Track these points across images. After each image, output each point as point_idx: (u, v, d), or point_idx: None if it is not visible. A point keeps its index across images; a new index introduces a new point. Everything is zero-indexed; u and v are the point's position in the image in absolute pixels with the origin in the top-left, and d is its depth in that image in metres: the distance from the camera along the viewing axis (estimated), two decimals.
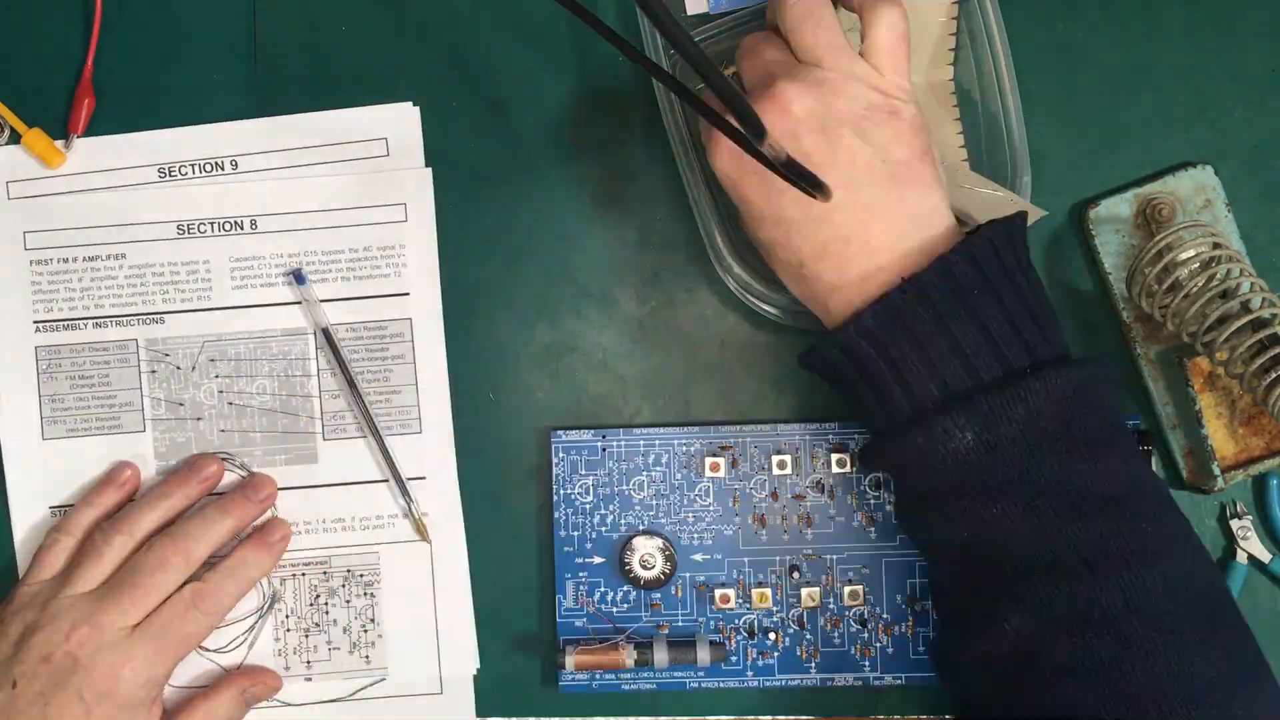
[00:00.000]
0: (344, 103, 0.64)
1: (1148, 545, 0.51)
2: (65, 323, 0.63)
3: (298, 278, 0.63)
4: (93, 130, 0.64)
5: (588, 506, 0.63)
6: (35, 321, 0.63)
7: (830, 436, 0.63)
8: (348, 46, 0.64)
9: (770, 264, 0.57)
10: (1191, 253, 0.58)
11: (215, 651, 0.63)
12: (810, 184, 0.53)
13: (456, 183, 0.64)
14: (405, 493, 0.63)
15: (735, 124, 0.48)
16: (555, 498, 0.63)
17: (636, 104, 0.64)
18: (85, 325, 0.64)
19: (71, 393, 0.63)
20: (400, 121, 0.64)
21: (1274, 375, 0.56)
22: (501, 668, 0.64)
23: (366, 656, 0.64)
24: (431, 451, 0.64)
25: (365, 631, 0.64)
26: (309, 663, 0.63)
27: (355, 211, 0.64)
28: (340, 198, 0.64)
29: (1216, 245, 0.58)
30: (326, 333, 0.63)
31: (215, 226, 0.64)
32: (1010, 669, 0.52)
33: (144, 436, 0.63)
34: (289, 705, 0.63)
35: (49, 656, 0.56)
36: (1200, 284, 0.58)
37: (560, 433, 0.63)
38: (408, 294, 0.64)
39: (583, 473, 0.63)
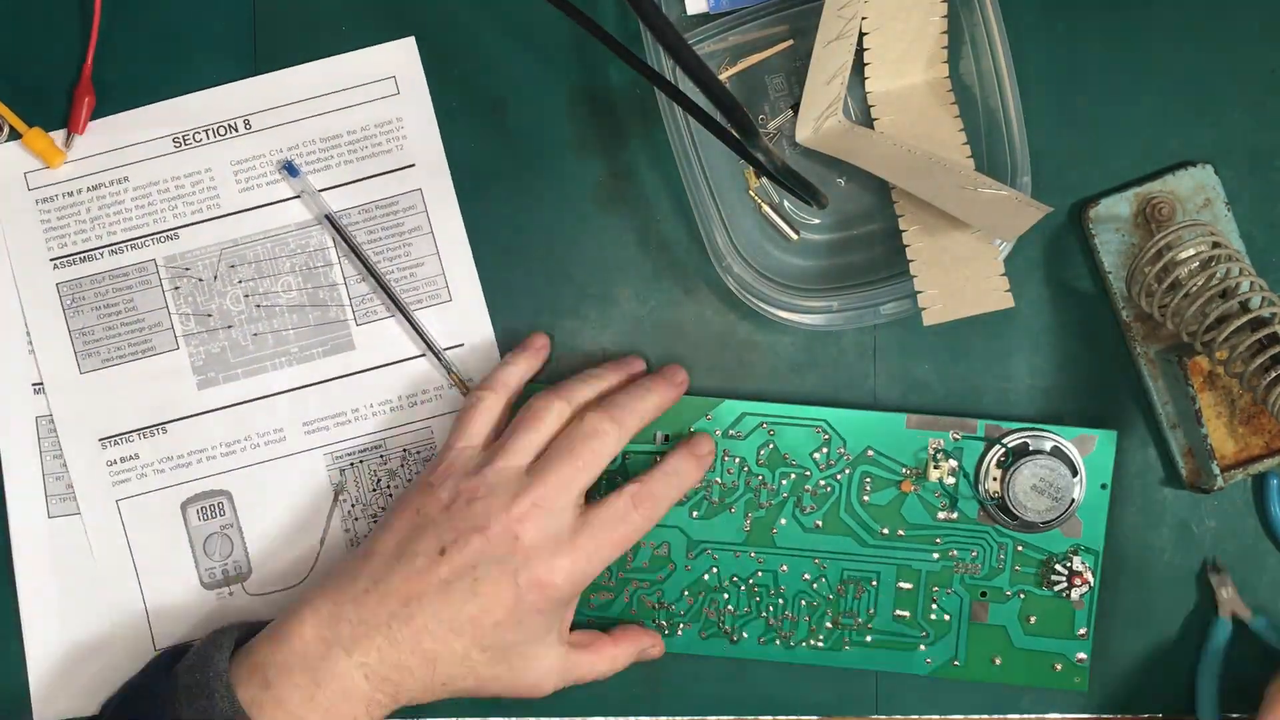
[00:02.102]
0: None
1: None
2: (81, 255, 0.64)
3: (290, 170, 0.63)
4: (93, 129, 0.64)
5: None
6: (51, 259, 0.64)
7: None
8: (347, 47, 0.64)
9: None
10: (1191, 252, 0.58)
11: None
12: (805, 192, 0.53)
13: (457, 183, 0.64)
14: (439, 358, 0.63)
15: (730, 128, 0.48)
16: None
17: (636, 104, 0.64)
18: (101, 254, 0.64)
19: (100, 323, 0.64)
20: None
21: (1274, 374, 0.56)
22: None
23: None
24: (465, 317, 0.64)
25: None
26: None
27: (345, 93, 0.64)
28: (329, 81, 0.64)
29: (1216, 244, 0.58)
30: (330, 219, 0.63)
31: (210, 133, 0.64)
32: None
33: (179, 354, 0.64)
34: None
35: (485, 529, 0.54)
36: (1200, 283, 0.58)
37: None
38: (413, 165, 0.64)
39: None
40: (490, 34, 0.64)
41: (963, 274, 0.59)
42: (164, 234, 0.64)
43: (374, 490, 0.64)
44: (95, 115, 0.64)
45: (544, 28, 0.64)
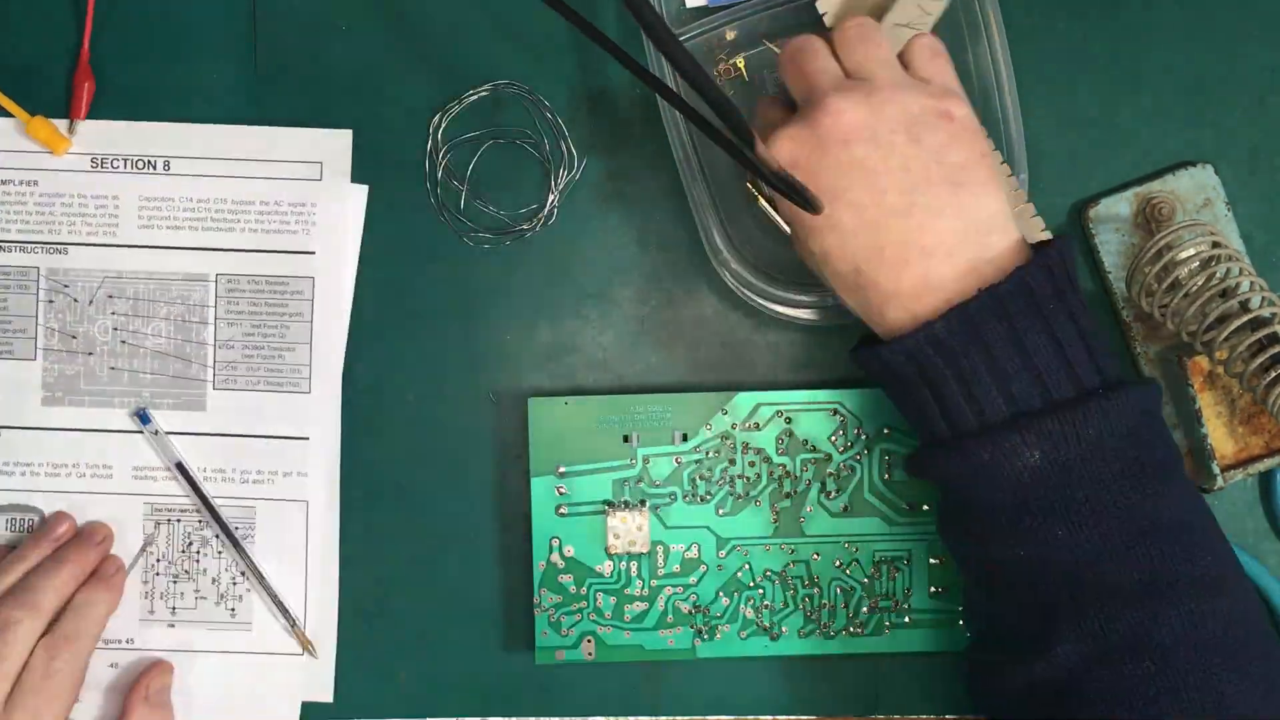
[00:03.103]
0: (338, 102, 0.64)
1: (1210, 575, 0.50)
2: None
3: (142, 418, 0.63)
4: (94, 115, 0.64)
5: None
6: None
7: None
8: (346, 46, 0.64)
9: (823, 276, 0.56)
10: (1191, 252, 0.58)
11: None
12: (802, 197, 0.53)
13: (456, 183, 0.64)
14: (284, 611, 0.63)
15: (730, 135, 0.48)
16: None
17: (636, 103, 0.64)
18: None
19: None
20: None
21: (1274, 374, 0.56)
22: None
23: (233, 609, 0.64)
24: (316, 412, 0.64)
25: (234, 584, 0.64)
26: (174, 609, 0.64)
27: (270, 164, 0.64)
28: (257, 149, 0.64)
29: (1216, 244, 0.58)
30: (181, 467, 0.63)
31: (129, 164, 0.64)
32: (1058, 696, 0.51)
33: (34, 365, 0.64)
34: (149, 650, 0.64)
35: None
36: (1200, 283, 0.58)
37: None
38: (313, 253, 0.64)
39: None
40: (489, 34, 0.64)
41: None
42: (54, 246, 0.64)
43: (183, 552, 0.64)
44: (98, 114, 0.64)
45: (544, 28, 0.64)
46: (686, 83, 0.46)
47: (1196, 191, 0.63)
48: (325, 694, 0.64)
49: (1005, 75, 0.60)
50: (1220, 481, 0.61)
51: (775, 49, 0.63)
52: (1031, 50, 0.63)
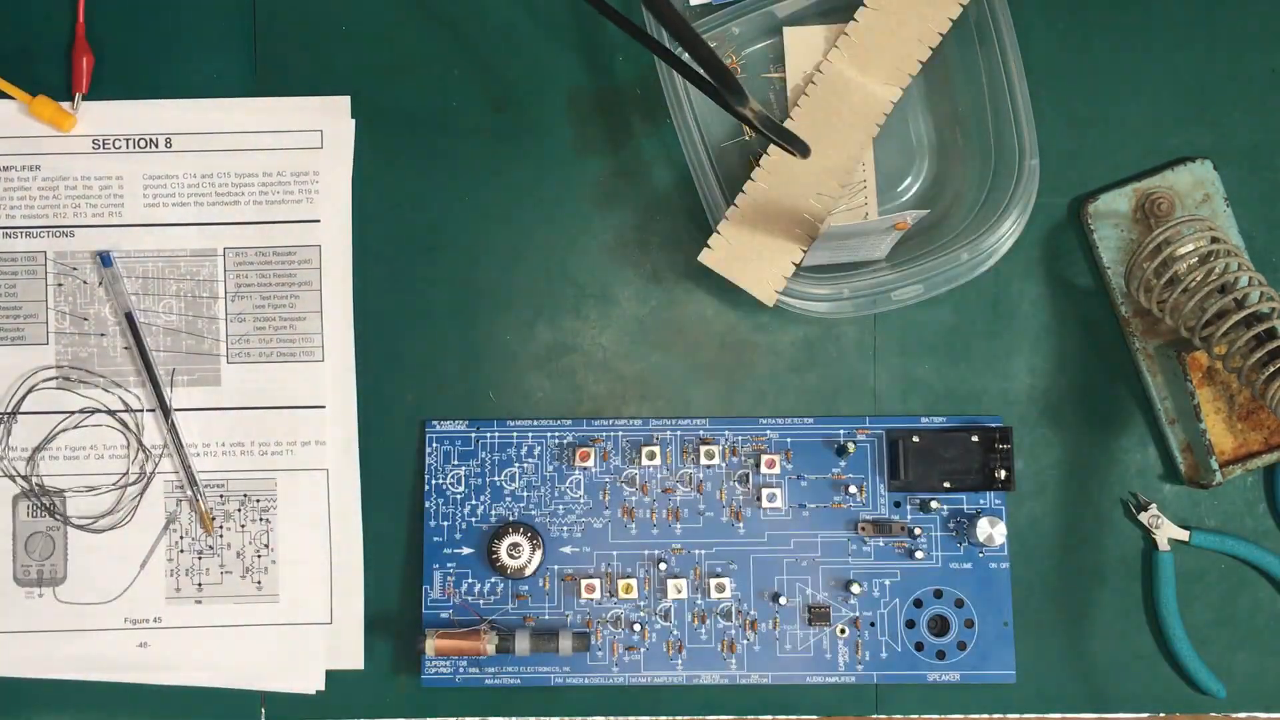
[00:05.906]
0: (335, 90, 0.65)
1: None
2: None
3: (103, 259, 0.63)
4: (93, 95, 0.64)
5: (459, 497, 0.63)
6: None
7: (701, 432, 0.63)
8: (344, 40, 0.65)
9: None
10: (1190, 247, 0.58)
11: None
12: (790, 143, 0.53)
13: (457, 182, 0.64)
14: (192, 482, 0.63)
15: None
16: (426, 488, 0.63)
17: (637, 104, 0.64)
18: None
19: None
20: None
21: (1272, 369, 0.56)
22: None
23: (258, 582, 0.64)
24: (332, 379, 0.64)
25: (259, 557, 0.64)
26: (200, 585, 0.64)
27: (271, 135, 0.64)
28: (257, 121, 0.64)
29: (1215, 239, 0.58)
30: (129, 317, 0.63)
31: (130, 143, 0.64)
32: None
33: (47, 349, 0.64)
34: (180, 628, 0.63)
35: None
36: (1198, 278, 0.58)
37: (434, 423, 0.63)
38: (318, 221, 0.64)
39: (455, 463, 0.63)
40: (489, 34, 0.65)
41: (759, 250, 0.60)
42: (61, 229, 0.64)
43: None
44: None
45: (544, 28, 0.65)
46: (676, 38, 0.48)
47: (1195, 187, 0.63)
48: (356, 661, 0.63)
49: (1015, 70, 0.60)
50: (1219, 477, 0.61)
51: (776, 76, 0.64)
52: (1034, 49, 0.64)
